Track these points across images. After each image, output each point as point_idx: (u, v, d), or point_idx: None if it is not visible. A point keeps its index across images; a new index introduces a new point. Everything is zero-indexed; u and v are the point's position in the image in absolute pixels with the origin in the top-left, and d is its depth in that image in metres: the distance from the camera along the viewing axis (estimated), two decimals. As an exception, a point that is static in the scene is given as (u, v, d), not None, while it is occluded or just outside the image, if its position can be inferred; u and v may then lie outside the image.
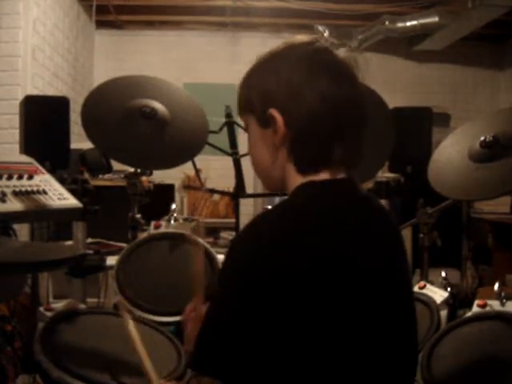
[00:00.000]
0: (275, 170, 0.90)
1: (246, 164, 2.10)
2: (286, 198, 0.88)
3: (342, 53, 0.91)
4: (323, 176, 0.86)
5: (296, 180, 0.87)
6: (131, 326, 1.02)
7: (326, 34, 4.73)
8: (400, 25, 4.51)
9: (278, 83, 0.85)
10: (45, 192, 1.42)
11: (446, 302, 1.54)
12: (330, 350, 0.77)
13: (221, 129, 2.05)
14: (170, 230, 1.78)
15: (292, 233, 0.78)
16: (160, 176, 3.54)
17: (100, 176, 3.18)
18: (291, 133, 0.85)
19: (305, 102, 0.83)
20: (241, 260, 0.79)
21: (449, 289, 1.65)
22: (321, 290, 0.76)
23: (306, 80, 0.84)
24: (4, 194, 1.32)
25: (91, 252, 2.25)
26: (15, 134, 2.40)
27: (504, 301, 1.42)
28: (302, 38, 0.90)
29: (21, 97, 2.51)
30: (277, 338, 0.75)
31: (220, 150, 2.00)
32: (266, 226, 0.80)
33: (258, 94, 0.88)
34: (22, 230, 2.71)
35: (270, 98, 0.86)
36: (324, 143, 0.85)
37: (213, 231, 4.18)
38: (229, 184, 2.17)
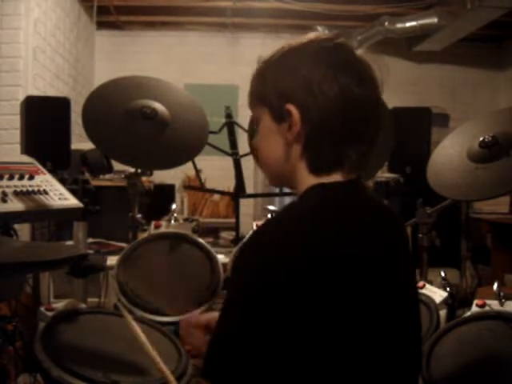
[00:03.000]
0: (284, 166, 0.87)
1: (246, 164, 2.12)
2: (294, 200, 0.87)
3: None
4: (335, 178, 0.84)
5: (307, 180, 0.85)
6: (136, 328, 1.00)
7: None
8: (399, 25, 4.52)
9: (297, 79, 0.83)
10: (46, 192, 1.43)
11: (445, 301, 1.55)
12: (341, 356, 0.77)
13: (221, 129, 2.06)
14: (171, 230, 1.79)
15: (304, 237, 0.76)
16: (160, 176, 3.56)
17: (101, 176, 3.18)
18: (307, 130, 0.83)
19: (323, 100, 0.81)
20: (253, 266, 0.77)
21: (448, 288, 1.65)
22: (331, 291, 0.75)
23: (325, 77, 0.81)
24: (5, 194, 1.32)
25: (92, 252, 2.26)
26: (16, 135, 2.41)
27: (503, 300, 1.42)
28: (322, 33, 0.88)
29: (22, 97, 2.51)
30: (289, 346, 0.74)
31: (220, 150, 2.01)
32: (277, 229, 0.79)
33: (274, 88, 0.85)
34: (23, 230, 2.72)
35: (288, 93, 0.83)
36: (340, 144, 0.83)
37: (213, 231, 4.18)
38: (229, 184, 2.18)
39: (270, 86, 0.86)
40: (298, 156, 0.85)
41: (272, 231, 0.79)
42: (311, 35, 0.87)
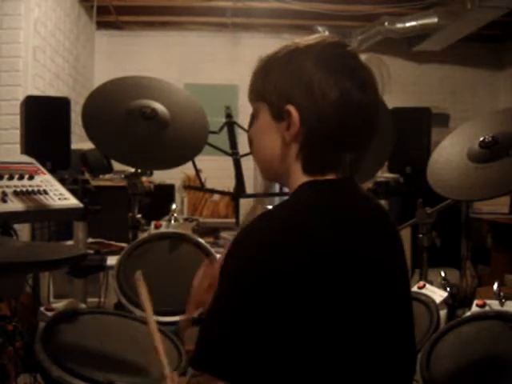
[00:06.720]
0: (279, 164, 0.89)
1: (246, 164, 2.11)
2: (286, 197, 0.88)
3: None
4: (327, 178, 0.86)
5: (300, 179, 0.87)
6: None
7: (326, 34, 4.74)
8: (399, 25, 4.52)
9: (299, 81, 0.84)
10: (46, 192, 1.43)
11: (445, 301, 1.55)
12: (329, 348, 0.77)
13: (221, 129, 2.05)
14: (171, 229, 1.79)
15: (293, 231, 0.77)
16: (160, 176, 3.55)
17: (101, 176, 3.18)
18: (304, 132, 0.84)
19: (323, 104, 0.82)
20: (241, 258, 0.78)
21: (448, 289, 1.66)
22: (320, 287, 0.76)
23: (327, 81, 0.82)
24: (5, 194, 1.32)
25: (92, 252, 2.25)
26: (16, 135, 2.41)
27: (503, 300, 1.42)
28: (328, 36, 0.89)
29: (22, 97, 2.51)
30: (277, 336, 0.75)
31: (220, 150, 2.01)
32: (267, 224, 0.80)
33: (276, 87, 0.86)
34: (23, 230, 2.72)
35: (289, 94, 0.84)
36: (336, 147, 0.85)
37: (213, 231, 4.18)
38: (229, 184, 2.18)
39: (272, 84, 0.87)
40: (294, 156, 0.87)
41: (262, 227, 0.80)
42: (317, 37, 0.88)
